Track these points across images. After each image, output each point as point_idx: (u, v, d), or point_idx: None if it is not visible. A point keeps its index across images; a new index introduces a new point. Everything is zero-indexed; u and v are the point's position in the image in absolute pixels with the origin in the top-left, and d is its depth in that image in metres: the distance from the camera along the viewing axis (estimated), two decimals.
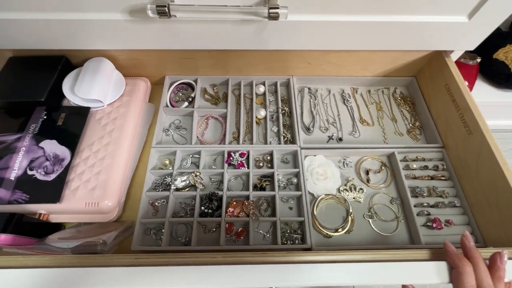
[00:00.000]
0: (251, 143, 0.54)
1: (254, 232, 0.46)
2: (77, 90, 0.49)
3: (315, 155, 0.53)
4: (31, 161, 0.45)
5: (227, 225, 0.45)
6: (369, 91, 0.63)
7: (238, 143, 0.54)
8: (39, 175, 0.44)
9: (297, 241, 0.45)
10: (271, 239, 0.46)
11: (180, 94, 0.61)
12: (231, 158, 0.51)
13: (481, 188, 0.45)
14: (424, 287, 0.76)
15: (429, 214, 0.47)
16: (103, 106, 0.52)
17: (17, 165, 0.44)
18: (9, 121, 0.49)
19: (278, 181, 0.49)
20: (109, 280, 0.31)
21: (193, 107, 0.57)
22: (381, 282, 0.33)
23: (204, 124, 0.57)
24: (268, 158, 0.53)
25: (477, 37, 0.48)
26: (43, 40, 0.48)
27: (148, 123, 0.56)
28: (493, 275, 0.30)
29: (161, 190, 0.48)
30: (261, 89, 0.60)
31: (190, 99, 0.59)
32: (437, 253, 0.34)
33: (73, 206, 0.43)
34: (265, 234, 0.46)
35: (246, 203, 0.46)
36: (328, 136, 0.57)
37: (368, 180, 0.51)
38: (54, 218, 0.44)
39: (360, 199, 0.49)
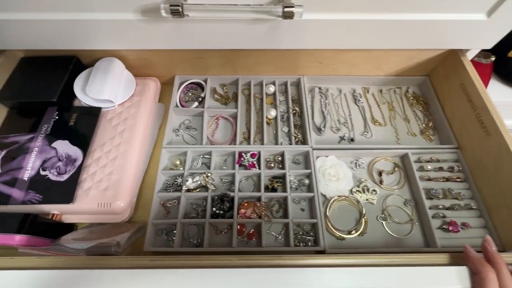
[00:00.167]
0: (262, 144, 0.54)
1: (266, 234, 0.45)
2: (88, 91, 0.49)
3: (326, 156, 0.52)
4: (44, 162, 0.45)
5: (239, 226, 0.45)
6: (381, 91, 0.62)
7: (249, 143, 0.54)
8: (52, 175, 0.44)
9: (309, 243, 0.44)
10: (284, 241, 0.45)
11: (190, 94, 0.61)
12: (242, 159, 0.50)
13: (499, 190, 0.44)
14: None
15: (444, 216, 0.46)
16: (114, 106, 0.52)
17: (30, 166, 0.44)
18: (21, 122, 0.49)
19: (289, 182, 0.49)
20: (124, 282, 0.31)
21: (203, 107, 0.56)
22: None
23: (214, 124, 0.57)
24: (279, 159, 0.52)
25: (495, 36, 0.47)
26: (54, 40, 0.48)
27: (159, 123, 0.56)
28: None
29: (172, 191, 0.48)
30: (271, 88, 0.60)
31: (200, 99, 0.58)
32: (457, 258, 0.33)
33: (85, 206, 0.43)
34: (277, 235, 0.46)
35: (258, 204, 0.46)
36: (340, 137, 0.56)
37: (381, 182, 0.51)
38: (67, 219, 0.44)
39: (373, 201, 0.49)
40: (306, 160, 0.53)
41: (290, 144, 0.54)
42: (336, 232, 0.45)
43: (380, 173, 0.51)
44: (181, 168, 0.51)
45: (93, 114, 0.50)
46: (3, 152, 0.46)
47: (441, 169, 0.50)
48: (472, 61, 0.53)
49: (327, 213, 0.47)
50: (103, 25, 0.44)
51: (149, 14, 0.41)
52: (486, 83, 0.81)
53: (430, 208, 0.46)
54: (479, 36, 0.47)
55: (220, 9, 0.38)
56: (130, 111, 0.52)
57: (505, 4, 0.41)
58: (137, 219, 0.47)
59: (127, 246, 0.39)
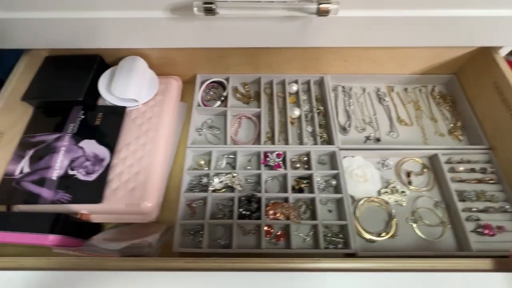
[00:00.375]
0: (286, 144, 0.53)
1: (294, 235, 0.45)
2: (113, 89, 0.49)
3: (353, 156, 0.51)
4: (72, 161, 0.45)
5: (266, 227, 0.44)
6: (406, 90, 0.61)
7: (273, 143, 0.53)
8: (80, 175, 0.43)
9: (339, 246, 0.43)
10: (312, 243, 0.45)
11: (211, 93, 0.60)
12: (268, 159, 0.49)
13: None
14: None
15: (478, 219, 0.44)
16: (138, 105, 0.51)
17: (58, 165, 0.44)
18: (46, 121, 0.49)
19: (317, 183, 0.48)
20: (161, 284, 0.31)
21: (226, 106, 0.56)
22: None
23: (236, 123, 0.56)
24: (305, 159, 0.51)
25: None
26: (79, 39, 0.47)
27: (182, 123, 0.55)
28: None
29: (198, 191, 0.48)
30: (294, 87, 0.59)
31: (223, 98, 0.58)
32: (501, 263, 0.32)
33: (114, 206, 0.42)
34: (305, 237, 0.45)
35: (286, 205, 0.45)
36: (365, 137, 0.55)
37: (409, 183, 0.49)
38: (94, 218, 0.44)
39: (402, 203, 0.48)
40: (332, 161, 0.52)
41: (315, 144, 0.53)
42: (366, 235, 0.44)
43: (408, 174, 0.50)
44: (206, 168, 0.50)
45: (118, 113, 0.50)
46: (31, 152, 0.46)
47: (473, 170, 0.48)
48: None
49: (356, 215, 0.46)
50: (128, 23, 0.43)
51: (179, 12, 0.40)
52: None
53: (463, 211, 0.45)
54: None
55: (252, 7, 0.38)
56: (154, 110, 0.51)
57: None
58: (163, 219, 0.47)
59: (158, 246, 0.38)
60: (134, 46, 0.49)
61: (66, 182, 0.43)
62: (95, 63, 0.52)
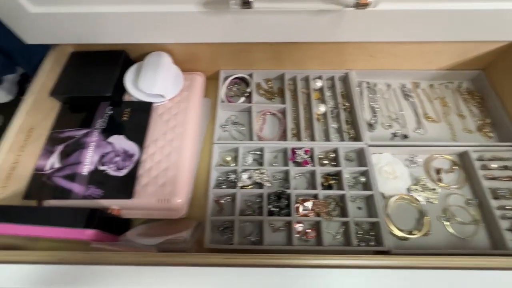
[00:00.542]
0: (311, 140, 0.52)
1: (324, 232, 0.44)
2: (140, 85, 0.49)
3: (381, 153, 0.51)
4: (102, 156, 0.45)
5: (296, 224, 0.44)
6: (431, 86, 0.60)
7: (298, 139, 0.53)
8: (111, 170, 0.43)
9: (371, 243, 0.43)
10: (342, 240, 0.44)
11: (234, 89, 0.59)
12: (296, 155, 0.49)
13: None
14: None
15: None
16: (164, 101, 0.51)
17: (88, 160, 0.44)
18: (73, 116, 0.50)
19: (346, 180, 0.47)
20: (205, 279, 0.31)
21: (251, 102, 0.55)
22: None
23: (261, 120, 0.56)
24: (332, 155, 0.51)
25: None
26: (104, 34, 0.47)
27: (207, 119, 0.55)
28: None
29: (226, 187, 0.47)
30: (318, 83, 0.58)
31: (247, 94, 0.57)
32: None
33: (144, 202, 0.42)
34: (335, 234, 0.44)
35: (316, 202, 0.45)
36: (392, 133, 0.54)
37: (439, 180, 0.49)
38: (124, 214, 0.44)
39: (433, 200, 0.47)
40: (359, 157, 0.51)
41: (342, 140, 0.52)
42: (398, 232, 0.44)
43: (438, 171, 0.49)
44: (233, 164, 0.50)
45: (145, 109, 0.49)
46: (60, 147, 0.46)
47: (505, 167, 0.47)
48: None
49: (387, 212, 0.45)
50: (158, 17, 0.43)
51: (212, 6, 0.40)
52: None
53: (497, 209, 0.44)
54: None
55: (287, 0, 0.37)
56: (180, 106, 0.51)
57: None
58: (190, 216, 0.47)
59: (193, 242, 0.38)
60: (162, 41, 0.49)
61: (97, 177, 0.43)
62: (121, 59, 0.52)
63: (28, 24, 0.43)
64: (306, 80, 0.59)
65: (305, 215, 0.44)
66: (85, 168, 0.43)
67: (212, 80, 0.60)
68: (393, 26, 0.43)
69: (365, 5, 0.35)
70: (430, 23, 0.43)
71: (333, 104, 0.57)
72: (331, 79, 0.59)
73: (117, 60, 0.52)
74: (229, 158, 0.51)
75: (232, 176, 0.48)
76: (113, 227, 0.41)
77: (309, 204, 0.45)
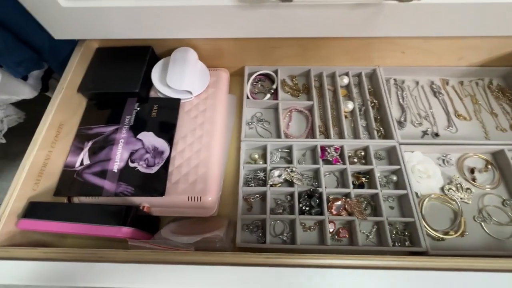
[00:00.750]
0: (339, 138, 0.51)
1: (357, 232, 0.43)
2: (169, 81, 0.48)
3: (412, 152, 0.49)
4: (132, 153, 0.44)
5: (329, 224, 0.43)
6: (462, 83, 0.58)
7: (326, 137, 0.52)
8: (141, 167, 0.43)
9: (406, 243, 0.42)
10: (376, 240, 0.43)
11: (259, 86, 0.59)
12: (326, 153, 0.48)
13: None
14: None
15: None
16: (191, 97, 0.50)
17: (118, 157, 0.44)
18: (100, 113, 0.49)
19: (378, 179, 0.46)
20: (244, 279, 0.30)
21: (277, 99, 0.54)
22: None
23: (287, 117, 0.55)
24: (362, 153, 0.50)
25: None
26: (133, 29, 0.47)
27: (233, 116, 0.54)
28: None
29: (254, 185, 0.47)
30: (345, 80, 0.57)
31: (272, 91, 0.56)
32: None
33: (176, 200, 0.42)
34: (368, 234, 0.44)
35: (349, 201, 0.44)
36: (422, 131, 0.53)
37: (473, 179, 0.47)
38: (154, 212, 0.43)
39: (468, 200, 0.46)
40: (390, 155, 0.50)
41: (371, 138, 0.51)
42: (433, 232, 0.43)
43: (472, 171, 0.48)
44: (261, 162, 0.49)
45: (173, 105, 0.49)
46: (89, 144, 0.45)
47: None
48: None
49: (421, 212, 0.44)
50: (191, 12, 0.42)
51: (249, 0, 0.39)
52: None
53: None
54: None
55: None
56: (207, 103, 0.50)
57: None
58: (219, 214, 0.46)
59: (228, 241, 0.38)
60: (190, 36, 0.48)
61: (128, 174, 0.42)
62: (147, 55, 0.51)
63: (59, 19, 0.43)
64: (332, 76, 0.58)
65: (338, 214, 0.44)
66: (115, 165, 0.43)
67: (234, 77, 0.59)
68: (432, 20, 0.42)
69: None
70: (471, 17, 0.42)
71: (360, 101, 0.56)
72: (358, 75, 0.58)
73: (144, 55, 0.51)
74: (256, 156, 0.50)
75: (261, 174, 0.47)
76: (145, 225, 0.40)
77: (341, 203, 0.44)
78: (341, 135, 0.52)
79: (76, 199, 0.44)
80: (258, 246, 0.41)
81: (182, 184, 0.43)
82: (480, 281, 0.32)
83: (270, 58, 0.57)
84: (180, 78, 0.48)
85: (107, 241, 0.41)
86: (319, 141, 0.49)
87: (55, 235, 0.42)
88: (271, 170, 0.46)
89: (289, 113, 0.55)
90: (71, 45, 0.51)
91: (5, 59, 0.47)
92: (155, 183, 0.42)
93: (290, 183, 0.47)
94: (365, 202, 0.46)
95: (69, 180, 0.43)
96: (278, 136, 0.51)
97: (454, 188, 0.46)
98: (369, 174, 0.47)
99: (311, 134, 0.52)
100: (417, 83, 0.58)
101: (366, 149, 0.49)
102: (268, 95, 0.56)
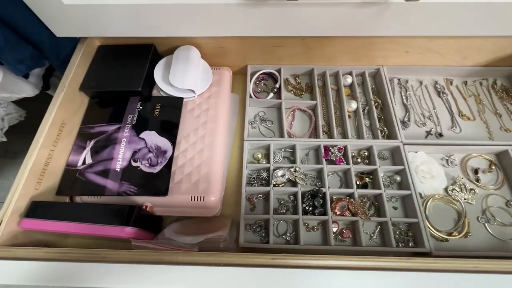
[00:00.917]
0: (343, 137, 0.51)
1: (361, 233, 0.43)
2: (172, 80, 0.47)
3: (416, 152, 0.49)
4: (134, 152, 0.44)
5: (333, 224, 0.43)
6: (465, 83, 0.58)
7: (329, 137, 0.51)
8: (144, 167, 0.43)
9: (410, 244, 0.42)
10: (379, 241, 0.43)
11: (262, 85, 0.58)
12: (330, 153, 0.48)
13: None
14: None
15: None
16: (194, 96, 0.50)
17: (121, 156, 0.43)
18: (102, 111, 0.49)
19: (381, 179, 0.46)
20: (249, 280, 0.30)
21: (280, 98, 0.54)
22: None
23: (290, 116, 0.55)
24: (365, 153, 0.49)
25: None
26: (134, 27, 0.46)
27: (235, 115, 0.54)
28: None
29: (258, 185, 0.46)
30: (348, 79, 0.56)
31: (275, 90, 0.56)
32: None
33: (178, 199, 0.41)
34: (371, 234, 0.43)
35: (353, 202, 0.44)
36: (426, 132, 0.52)
37: (477, 180, 0.47)
38: (157, 211, 0.43)
39: (472, 201, 0.45)
40: (392, 156, 0.50)
41: (374, 138, 0.51)
42: (436, 233, 0.43)
43: (475, 171, 0.48)
44: (264, 162, 0.49)
45: (175, 104, 0.48)
46: (92, 142, 0.45)
47: None
48: None
49: (425, 213, 0.44)
50: (194, 10, 0.42)
51: None
52: None
53: None
54: None
55: None
56: (210, 102, 0.50)
57: None
58: (222, 214, 0.46)
59: (232, 241, 0.37)
60: (192, 35, 0.47)
61: (130, 173, 0.42)
62: (150, 53, 0.50)
63: (60, 16, 0.42)
64: (335, 76, 0.58)
65: (341, 214, 0.43)
66: (118, 165, 0.43)
67: (237, 75, 0.59)
68: (437, 19, 0.42)
69: None
70: (476, 17, 0.41)
71: (364, 101, 0.55)
72: (361, 75, 0.58)
73: (147, 54, 0.50)
74: (259, 155, 0.50)
75: (264, 174, 0.47)
76: (148, 224, 0.40)
77: (345, 203, 0.44)
78: (344, 135, 0.51)
79: (78, 199, 0.43)
80: (261, 246, 0.41)
81: (185, 183, 0.42)
82: (485, 283, 0.32)
83: (273, 57, 0.56)
84: (183, 77, 0.48)
85: (109, 241, 0.41)
86: (323, 140, 0.49)
87: (58, 235, 0.42)
88: (274, 169, 0.46)
89: (292, 113, 0.55)
90: (72, 43, 0.50)
91: (6, 56, 0.46)
92: (158, 182, 0.41)
93: (293, 183, 0.46)
94: (369, 202, 0.46)
95: (71, 179, 0.43)
96: (281, 135, 0.51)
97: (458, 189, 0.46)
98: (372, 174, 0.47)
99: (314, 133, 0.52)
100: (420, 82, 0.58)
101: (369, 149, 0.49)
102: (271, 94, 0.55)
